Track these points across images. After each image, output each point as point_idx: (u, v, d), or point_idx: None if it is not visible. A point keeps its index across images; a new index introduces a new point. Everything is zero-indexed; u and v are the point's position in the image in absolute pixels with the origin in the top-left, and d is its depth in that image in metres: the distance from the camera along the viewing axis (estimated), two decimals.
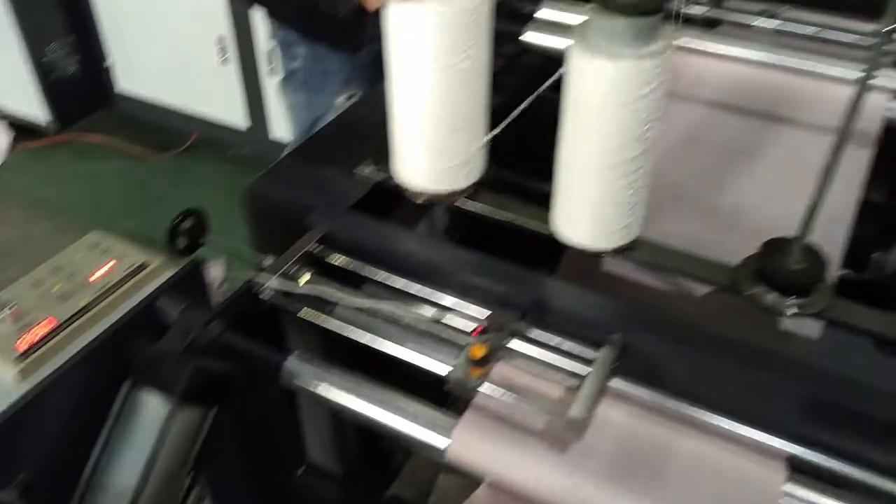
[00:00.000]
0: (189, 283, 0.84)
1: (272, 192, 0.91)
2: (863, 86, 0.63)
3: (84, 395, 0.75)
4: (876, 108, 0.96)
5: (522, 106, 0.80)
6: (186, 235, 0.89)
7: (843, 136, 0.65)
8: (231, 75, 2.48)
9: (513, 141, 1.21)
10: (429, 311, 0.79)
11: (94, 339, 0.76)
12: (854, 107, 0.64)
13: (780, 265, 0.74)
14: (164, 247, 0.90)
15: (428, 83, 0.77)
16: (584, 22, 0.68)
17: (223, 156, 2.84)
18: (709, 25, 1.10)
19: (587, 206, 0.77)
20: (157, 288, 0.81)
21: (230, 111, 2.59)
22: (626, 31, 0.65)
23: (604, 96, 0.68)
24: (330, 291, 0.78)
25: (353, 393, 0.77)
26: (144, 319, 0.79)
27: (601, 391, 0.69)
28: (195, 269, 0.85)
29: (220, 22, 2.36)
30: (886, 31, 0.60)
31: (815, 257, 0.75)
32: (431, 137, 0.81)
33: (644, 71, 0.66)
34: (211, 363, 0.77)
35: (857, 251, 1.16)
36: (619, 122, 0.69)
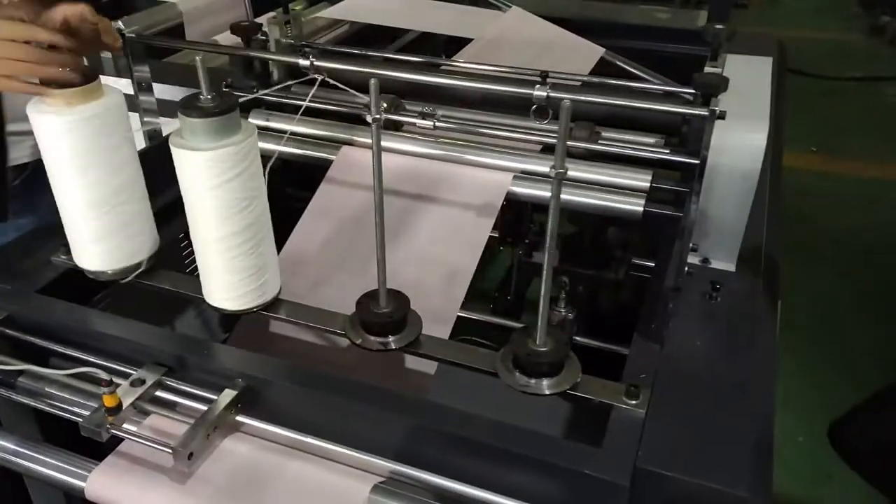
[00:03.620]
0: None
1: None
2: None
3: None
4: (501, 184, 1.16)
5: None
6: None
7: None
8: None
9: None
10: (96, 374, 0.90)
11: None
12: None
13: (370, 312, 0.90)
14: None
15: (73, 177, 0.91)
16: (179, 121, 0.84)
17: None
18: (394, 128, 1.29)
19: (216, 274, 0.91)
20: None
21: None
22: (205, 129, 0.82)
23: (196, 181, 0.83)
24: None
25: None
26: None
27: (210, 426, 0.82)
28: None
29: None
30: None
31: (400, 301, 0.91)
32: (89, 224, 0.94)
33: (225, 158, 0.82)
34: None
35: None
36: (215, 201, 0.85)
